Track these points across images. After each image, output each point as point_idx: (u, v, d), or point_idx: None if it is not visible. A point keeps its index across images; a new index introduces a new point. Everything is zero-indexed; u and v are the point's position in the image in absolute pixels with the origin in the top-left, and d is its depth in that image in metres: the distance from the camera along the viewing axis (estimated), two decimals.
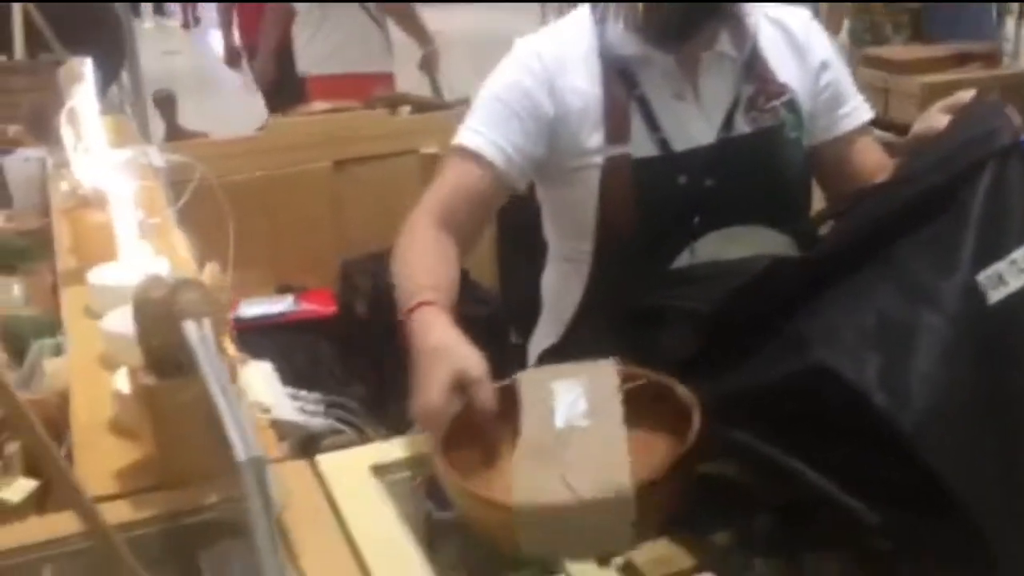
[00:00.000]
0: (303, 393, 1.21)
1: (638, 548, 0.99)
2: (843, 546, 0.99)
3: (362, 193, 2.56)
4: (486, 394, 1.03)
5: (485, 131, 1.28)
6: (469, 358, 1.05)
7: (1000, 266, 0.90)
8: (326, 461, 1.03)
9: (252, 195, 2.38)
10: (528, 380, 1.07)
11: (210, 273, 0.99)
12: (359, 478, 1.00)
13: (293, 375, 2.31)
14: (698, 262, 1.25)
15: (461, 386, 1.02)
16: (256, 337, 2.33)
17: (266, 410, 1.12)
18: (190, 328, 0.82)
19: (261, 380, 1.19)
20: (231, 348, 1.25)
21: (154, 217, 1.71)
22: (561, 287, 1.45)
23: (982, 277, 0.89)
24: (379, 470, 1.02)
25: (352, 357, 2.40)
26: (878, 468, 0.87)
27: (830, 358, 0.84)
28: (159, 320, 0.96)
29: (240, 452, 0.63)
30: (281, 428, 1.11)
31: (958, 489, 0.81)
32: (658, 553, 1.00)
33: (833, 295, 0.90)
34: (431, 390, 1.02)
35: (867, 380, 0.82)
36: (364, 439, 1.20)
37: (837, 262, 0.93)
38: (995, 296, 0.89)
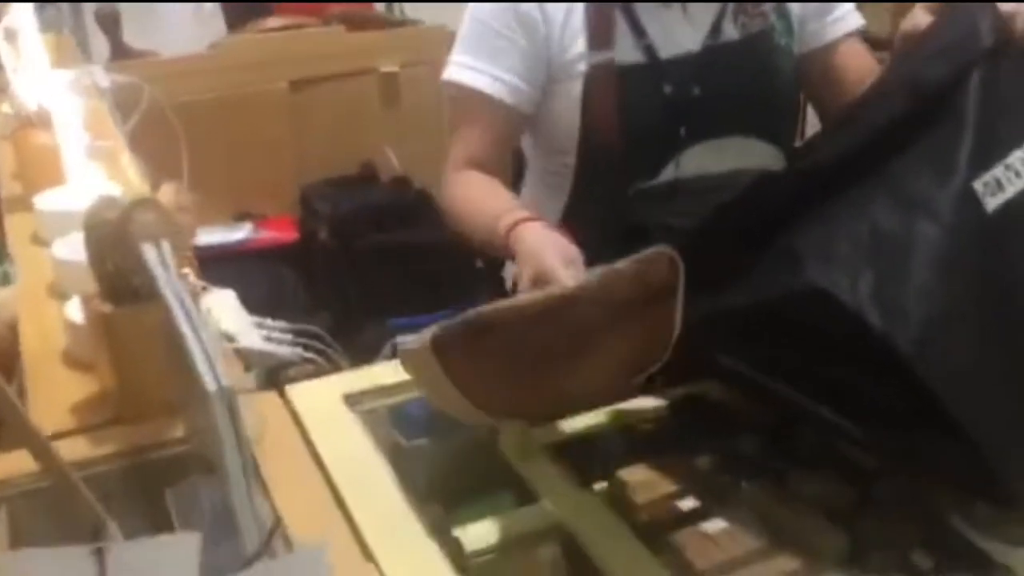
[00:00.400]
0: (268, 321, 1.15)
1: (623, 472, 0.97)
2: (827, 465, 0.97)
3: (320, 115, 2.48)
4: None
5: (487, 68, 1.23)
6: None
7: (997, 171, 0.86)
8: (296, 391, 0.98)
9: (205, 117, 2.28)
10: None
11: (168, 193, 0.92)
12: (330, 408, 0.95)
13: (256, 305, 2.26)
14: (684, 175, 1.20)
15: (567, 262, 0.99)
16: (214, 266, 2.26)
17: (231, 339, 1.06)
18: (148, 250, 0.76)
19: (224, 308, 1.13)
20: (192, 275, 1.19)
21: (102, 140, 1.63)
22: (541, 203, 1.40)
23: (979, 184, 0.85)
24: (350, 399, 0.97)
25: (316, 285, 2.34)
26: (869, 387, 0.83)
27: (823, 277, 0.80)
28: (113, 243, 0.90)
29: (209, 382, 0.58)
30: (247, 357, 1.06)
31: (958, 411, 0.78)
32: (641, 476, 0.97)
33: (825, 209, 0.85)
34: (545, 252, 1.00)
35: (861, 299, 0.78)
36: (334, 368, 1.15)
37: (829, 175, 0.88)
38: (993, 204, 0.85)
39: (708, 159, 1.24)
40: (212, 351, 0.62)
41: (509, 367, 0.82)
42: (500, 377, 0.83)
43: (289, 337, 1.14)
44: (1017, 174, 0.87)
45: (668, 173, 1.23)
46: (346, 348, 2.30)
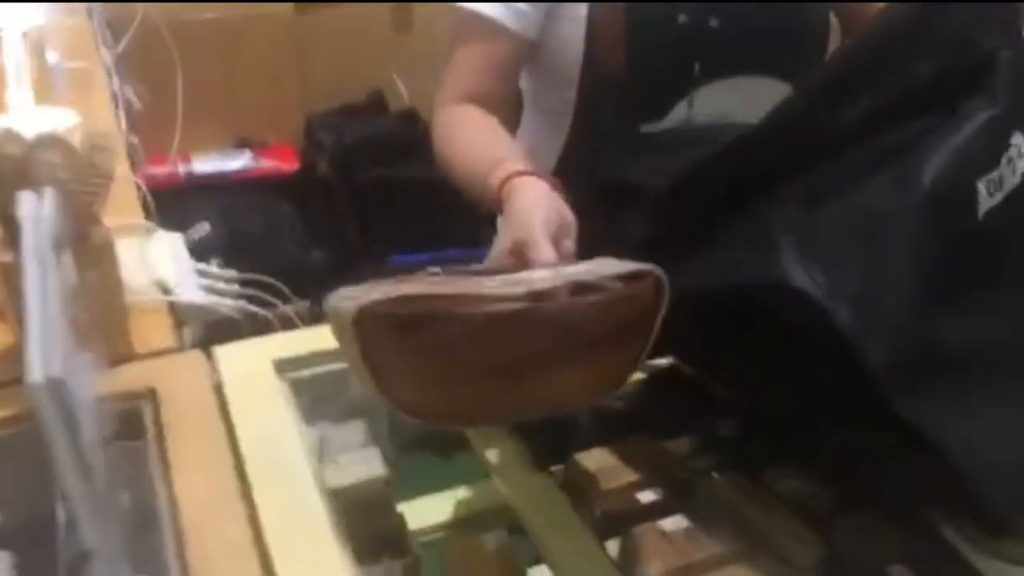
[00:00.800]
0: (215, 269, 1.06)
1: (582, 455, 0.88)
2: (809, 459, 0.87)
3: (328, 40, 2.36)
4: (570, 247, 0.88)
5: None
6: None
7: (1003, 162, 0.74)
8: (224, 353, 0.89)
9: (204, 39, 2.18)
10: None
11: (93, 135, 0.83)
12: (258, 374, 0.86)
13: (249, 239, 2.18)
14: (696, 119, 1.07)
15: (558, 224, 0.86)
16: (207, 196, 2.18)
17: (166, 290, 0.97)
18: (26, 198, 0.67)
19: (167, 254, 1.04)
20: (137, 215, 1.11)
21: (79, 61, 1.53)
22: (537, 143, 1.27)
23: (983, 182, 0.73)
24: (283, 364, 0.88)
25: (315, 220, 2.25)
26: (844, 397, 0.73)
27: (797, 273, 0.69)
28: (13, 184, 0.80)
29: (34, 371, 0.48)
30: (182, 311, 0.97)
31: (940, 437, 0.68)
32: (600, 462, 0.88)
33: (813, 183, 0.74)
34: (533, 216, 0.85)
35: (839, 306, 0.68)
36: (286, 324, 1.06)
37: (827, 139, 0.76)
38: (989, 204, 0.74)
39: (724, 101, 1.10)
40: (58, 328, 0.53)
41: (442, 372, 0.70)
42: (429, 380, 0.70)
43: (235, 288, 1.05)
44: (1014, 171, 0.75)
45: (679, 114, 1.10)
46: (347, 287, 2.19)
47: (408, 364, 0.68)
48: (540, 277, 0.69)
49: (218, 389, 0.84)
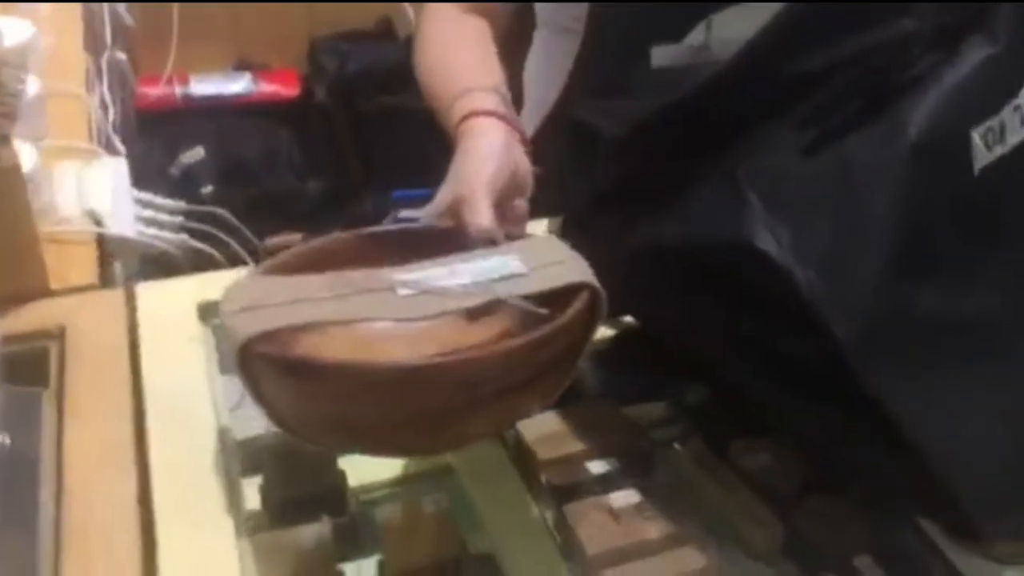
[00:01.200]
0: (159, 200, 0.98)
1: (527, 422, 0.80)
2: (782, 433, 0.79)
3: None
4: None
5: None
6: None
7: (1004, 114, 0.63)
8: (146, 293, 0.82)
9: None
10: None
11: (2, 51, 0.75)
12: (179, 316, 0.79)
13: (243, 166, 2.11)
14: (714, 45, 0.95)
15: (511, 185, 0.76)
16: (204, 119, 2.10)
17: (97, 221, 0.90)
18: None
19: (107, 182, 0.97)
20: (82, 138, 1.03)
21: None
22: (546, 68, 1.16)
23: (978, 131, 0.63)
24: (209, 308, 0.81)
25: (314, 148, 2.17)
26: (812, 360, 0.65)
27: (761, 234, 0.61)
28: None
29: None
30: (112, 244, 0.90)
31: (916, 436, 0.60)
32: (548, 428, 0.81)
33: (787, 129, 0.64)
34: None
35: (809, 275, 0.59)
36: (236, 262, 0.98)
37: (806, 81, 0.67)
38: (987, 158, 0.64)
39: (744, 26, 0.99)
40: None
41: (340, 421, 0.60)
42: (328, 425, 0.60)
43: (179, 220, 0.97)
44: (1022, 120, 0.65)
45: (696, 38, 0.99)
46: (336, 219, 2.14)
47: (303, 407, 0.59)
48: (458, 290, 0.60)
49: (133, 332, 0.77)
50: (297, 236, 2.04)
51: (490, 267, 0.61)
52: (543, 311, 0.60)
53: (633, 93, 1.01)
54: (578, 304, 0.59)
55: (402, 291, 0.58)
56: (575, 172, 0.86)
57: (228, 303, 0.58)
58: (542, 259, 0.63)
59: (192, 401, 0.71)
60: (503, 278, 0.60)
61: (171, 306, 0.80)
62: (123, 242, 0.89)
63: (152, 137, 1.98)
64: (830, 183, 0.64)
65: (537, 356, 0.58)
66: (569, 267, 0.63)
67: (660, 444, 0.83)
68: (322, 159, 2.16)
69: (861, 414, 0.62)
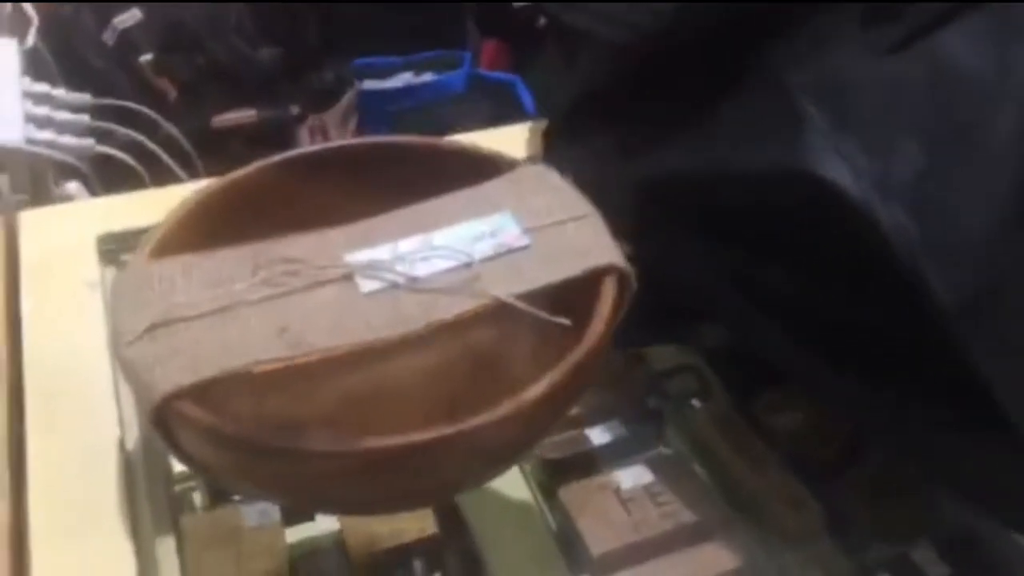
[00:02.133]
0: (60, 93, 0.80)
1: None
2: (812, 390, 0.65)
3: None
4: None
5: None
6: None
7: None
8: (32, 220, 0.64)
9: None
10: None
11: None
12: (72, 254, 0.62)
13: (185, 30, 1.89)
14: None
15: None
16: None
17: None
18: None
19: None
20: None
21: None
22: None
23: None
24: (111, 241, 0.64)
25: (265, 11, 1.94)
26: (883, 325, 0.50)
27: (826, 156, 0.45)
28: None
29: None
30: None
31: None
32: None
33: (853, 26, 0.48)
34: None
35: (889, 210, 0.44)
36: (155, 172, 0.81)
37: None
38: None
39: None
40: None
41: (302, 504, 0.49)
42: (292, 499, 0.47)
43: (85, 120, 0.79)
44: None
45: None
46: (293, 95, 1.91)
47: (260, 482, 0.43)
48: (440, 282, 0.43)
49: (12, 275, 0.60)
50: (250, 112, 1.86)
51: (479, 233, 0.44)
52: (565, 322, 0.44)
53: None
54: (604, 308, 0.44)
55: (364, 284, 0.42)
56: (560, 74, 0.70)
57: (123, 314, 0.41)
58: (541, 213, 0.47)
59: (88, 371, 0.55)
60: (499, 254, 0.44)
61: (63, 239, 0.63)
62: (7, 151, 0.71)
63: None
64: (920, 93, 0.48)
65: (553, 407, 0.43)
66: (582, 234, 0.46)
67: (672, 400, 0.69)
68: (276, 23, 1.94)
69: (942, 397, 0.48)
